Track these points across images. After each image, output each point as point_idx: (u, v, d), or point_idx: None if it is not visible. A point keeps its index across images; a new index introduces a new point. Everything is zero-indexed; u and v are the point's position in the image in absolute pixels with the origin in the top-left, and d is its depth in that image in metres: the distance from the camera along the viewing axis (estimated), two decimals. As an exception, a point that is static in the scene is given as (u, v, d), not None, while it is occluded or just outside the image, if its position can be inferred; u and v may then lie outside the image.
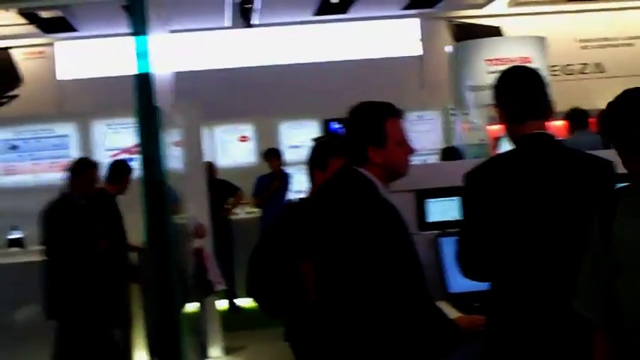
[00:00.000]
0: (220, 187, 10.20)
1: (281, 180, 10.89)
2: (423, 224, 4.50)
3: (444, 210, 4.42)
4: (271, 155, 11.10)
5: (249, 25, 17.46)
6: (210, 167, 10.09)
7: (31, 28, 17.37)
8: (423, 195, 4.51)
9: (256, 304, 4.46)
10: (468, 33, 15.87)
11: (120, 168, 7.53)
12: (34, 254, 8.14)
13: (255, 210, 11.13)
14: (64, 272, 6.65)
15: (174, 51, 17.19)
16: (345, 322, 3.23)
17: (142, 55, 4.10)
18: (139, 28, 4.09)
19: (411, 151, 3.45)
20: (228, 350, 8.25)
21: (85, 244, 6.72)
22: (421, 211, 4.50)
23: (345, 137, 3.48)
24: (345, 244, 3.25)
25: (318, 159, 4.40)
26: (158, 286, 3.77)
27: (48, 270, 6.77)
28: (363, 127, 3.36)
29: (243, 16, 15.45)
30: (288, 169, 11.13)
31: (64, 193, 6.91)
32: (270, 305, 4.37)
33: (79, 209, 6.77)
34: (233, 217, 11.01)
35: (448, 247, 4.16)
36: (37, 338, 7.63)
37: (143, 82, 4.08)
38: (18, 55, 18.34)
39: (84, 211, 6.79)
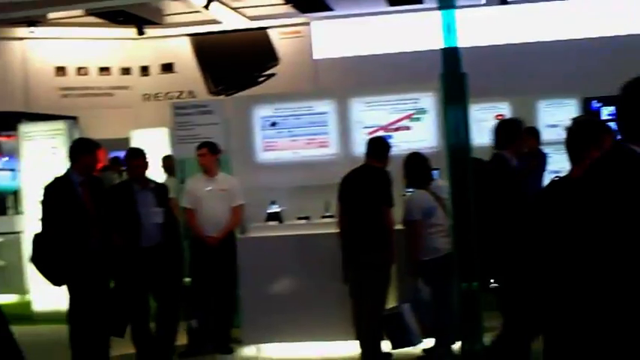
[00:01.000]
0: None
1: (538, 159, 10.67)
2: None
3: None
4: (528, 134, 10.89)
5: (505, 2, 17.21)
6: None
7: (287, 8, 18.14)
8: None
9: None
10: None
11: (382, 144, 7.68)
12: (290, 228, 8.57)
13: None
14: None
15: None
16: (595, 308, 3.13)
17: (449, 28, 4.21)
18: (446, 2, 4.20)
19: None
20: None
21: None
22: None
23: (618, 114, 3.37)
24: (613, 225, 3.15)
25: (591, 136, 4.31)
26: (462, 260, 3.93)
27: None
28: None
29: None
30: (545, 149, 10.88)
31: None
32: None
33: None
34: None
35: None
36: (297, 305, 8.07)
37: (450, 55, 4.20)
38: (275, 35, 19.23)
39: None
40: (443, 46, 4.18)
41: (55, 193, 7.13)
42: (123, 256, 7.45)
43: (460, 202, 3.97)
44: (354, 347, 7.57)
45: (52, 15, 17.85)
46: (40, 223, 7.22)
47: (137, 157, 7.75)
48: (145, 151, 7.88)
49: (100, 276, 7.27)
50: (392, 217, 7.36)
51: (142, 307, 7.61)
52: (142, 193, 7.61)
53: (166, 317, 7.74)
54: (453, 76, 4.04)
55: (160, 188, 7.81)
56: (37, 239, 7.17)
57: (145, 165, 7.74)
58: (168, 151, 10.93)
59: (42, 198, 7.17)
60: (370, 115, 9.24)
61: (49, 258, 7.05)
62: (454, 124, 3.98)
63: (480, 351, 5.19)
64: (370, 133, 9.07)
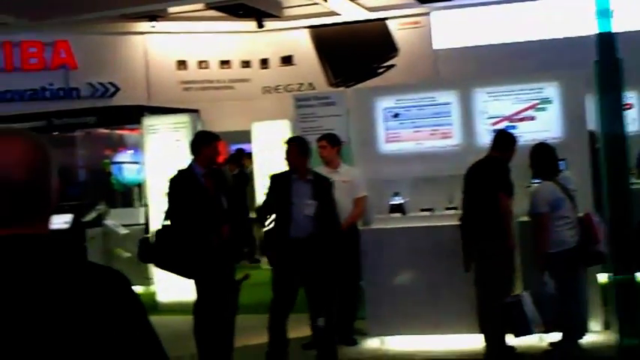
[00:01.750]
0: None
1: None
2: None
3: None
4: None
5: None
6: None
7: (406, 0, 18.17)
8: None
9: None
10: None
11: (505, 137, 7.65)
12: (414, 220, 8.61)
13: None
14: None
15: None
16: None
17: (603, 13, 4.21)
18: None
19: None
20: (607, 325, 8.05)
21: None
22: None
23: None
24: None
25: None
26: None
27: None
28: None
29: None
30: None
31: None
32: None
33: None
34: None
35: None
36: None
37: (605, 40, 4.20)
38: (393, 26, 19.25)
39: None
40: (597, 32, 4.14)
41: (179, 185, 7.33)
42: (275, 245, 7.52)
43: (616, 191, 3.93)
44: (478, 341, 7.56)
45: (172, 9, 18.35)
46: (163, 215, 7.45)
47: (289, 145, 7.64)
48: (302, 140, 7.77)
49: (226, 268, 7.44)
50: (508, 204, 7.33)
51: (286, 299, 7.51)
52: (298, 184, 7.50)
53: (315, 313, 7.53)
54: (609, 62, 4.01)
55: (319, 180, 7.63)
56: (162, 233, 7.38)
57: (299, 155, 7.51)
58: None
59: (167, 191, 7.40)
60: (493, 105, 9.18)
61: (177, 251, 7.23)
62: (609, 112, 3.95)
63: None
64: (494, 123, 9.02)
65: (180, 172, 7.47)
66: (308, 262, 7.36)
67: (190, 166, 7.46)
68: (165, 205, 7.49)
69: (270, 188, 7.70)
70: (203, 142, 7.46)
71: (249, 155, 14.72)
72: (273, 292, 7.49)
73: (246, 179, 14.53)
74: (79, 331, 1.80)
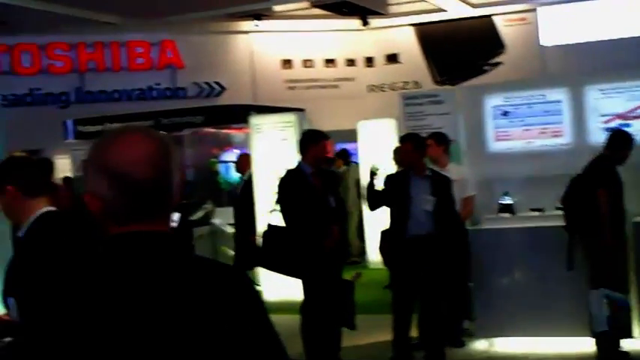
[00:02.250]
0: None
1: None
2: None
3: None
4: None
5: None
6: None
7: (514, -5, 18.02)
8: None
9: None
10: None
11: (622, 137, 7.53)
12: (523, 220, 8.54)
13: None
14: None
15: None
16: None
17: None
18: None
19: None
20: None
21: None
22: None
23: None
24: None
25: None
26: None
27: None
28: None
29: None
30: None
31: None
32: None
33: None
34: None
35: None
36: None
37: None
38: (500, 22, 19.08)
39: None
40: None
41: (289, 185, 7.44)
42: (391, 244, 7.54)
43: None
44: (589, 344, 7.47)
45: (277, 8, 18.59)
46: (269, 215, 7.58)
47: (404, 142, 7.66)
48: (417, 137, 7.77)
49: (335, 267, 7.53)
50: (606, 201, 7.22)
51: (407, 298, 7.48)
52: (416, 181, 7.45)
53: (426, 314, 7.49)
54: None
55: (438, 177, 7.58)
56: (270, 233, 7.50)
57: (414, 151, 7.46)
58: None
59: (277, 191, 7.52)
60: (606, 102, 9.05)
61: (286, 251, 7.34)
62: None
63: None
64: (606, 121, 8.89)
65: (290, 171, 7.57)
66: (426, 261, 7.32)
67: (299, 165, 7.56)
68: (271, 205, 7.62)
69: (386, 188, 7.68)
70: (311, 141, 7.54)
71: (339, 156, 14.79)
72: (392, 292, 7.53)
73: (339, 179, 14.62)
74: (203, 327, 1.84)
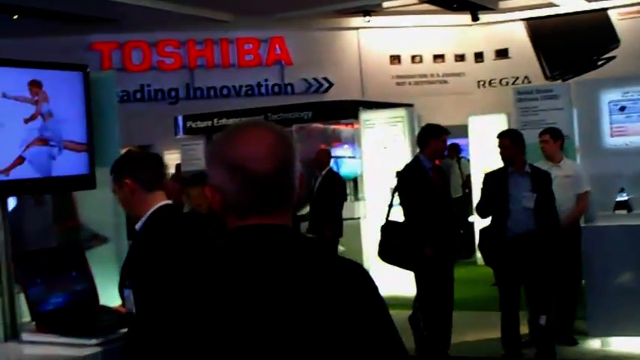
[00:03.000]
0: None
1: None
2: None
3: None
4: None
5: None
6: None
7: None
8: None
9: None
10: None
11: None
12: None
13: None
14: None
15: None
16: None
17: None
18: None
19: None
20: None
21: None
22: None
23: None
24: None
25: None
26: None
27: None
28: None
29: None
30: None
31: None
32: None
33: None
34: None
35: None
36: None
37: None
38: (614, 16, 18.73)
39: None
40: None
41: (409, 179, 7.54)
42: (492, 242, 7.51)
43: None
44: None
45: (386, 4, 18.67)
46: (385, 209, 7.69)
47: (502, 138, 7.58)
48: (516, 132, 7.79)
49: (449, 262, 7.60)
50: None
51: (513, 295, 7.43)
52: (516, 177, 7.42)
53: (535, 312, 7.40)
54: None
55: (538, 173, 7.52)
56: (388, 227, 7.61)
57: (513, 147, 7.43)
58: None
59: (397, 185, 7.60)
60: None
61: (405, 244, 7.43)
62: None
63: None
64: None
65: (409, 165, 7.66)
66: (527, 259, 7.25)
67: (417, 159, 7.65)
68: (387, 199, 7.73)
69: (485, 186, 7.71)
70: (432, 135, 7.60)
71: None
72: (499, 290, 7.54)
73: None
74: (326, 322, 1.85)
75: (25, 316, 4.28)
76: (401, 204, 7.53)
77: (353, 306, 1.89)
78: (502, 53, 19.73)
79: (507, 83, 18.86)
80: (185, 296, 1.90)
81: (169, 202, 3.98)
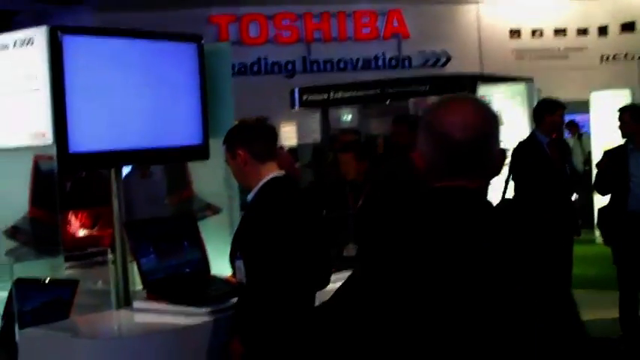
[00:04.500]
0: None
1: None
2: None
3: None
4: None
5: None
6: None
7: None
8: None
9: None
10: None
11: None
12: None
13: None
14: None
15: None
16: None
17: None
18: None
19: None
20: None
21: None
22: None
23: None
24: None
25: None
26: None
27: None
28: None
29: None
30: None
31: None
32: None
33: None
34: None
35: None
36: None
37: None
38: None
39: None
40: None
41: (523, 155, 7.37)
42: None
43: None
44: None
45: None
46: (503, 187, 7.55)
47: (622, 113, 7.44)
48: (636, 108, 7.60)
49: (567, 240, 7.40)
50: None
51: (633, 274, 7.20)
52: (636, 154, 7.22)
53: None
54: None
55: None
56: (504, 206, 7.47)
57: (632, 123, 7.24)
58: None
59: (511, 161, 7.44)
60: None
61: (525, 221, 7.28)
62: None
63: None
64: None
65: (523, 142, 7.49)
66: None
67: (533, 134, 7.49)
68: (504, 175, 7.58)
69: (603, 163, 7.53)
70: (547, 110, 7.42)
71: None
72: (617, 269, 7.32)
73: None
74: (514, 286, 2.02)
75: (137, 284, 4.35)
76: (513, 179, 7.40)
77: (533, 274, 2.08)
78: (628, 27, 19.07)
79: (633, 58, 18.23)
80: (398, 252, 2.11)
81: (282, 173, 3.97)
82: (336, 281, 4.34)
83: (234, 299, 3.89)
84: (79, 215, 5.89)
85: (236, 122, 4.72)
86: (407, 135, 7.15)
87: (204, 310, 3.94)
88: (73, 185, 7.21)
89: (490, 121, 2.19)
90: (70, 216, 5.78)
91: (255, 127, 4.21)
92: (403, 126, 7.54)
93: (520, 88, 11.40)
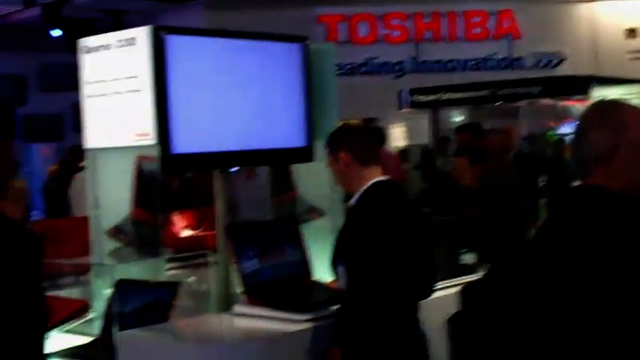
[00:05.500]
0: None
1: None
2: None
3: None
4: None
5: None
6: None
7: None
8: None
9: None
10: None
11: None
12: None
13: None
14: None
15: None
16: None
17: None
18: None
19: None
20: None
21: None
22: None
23: None
24: None
25: None
26: None
27: None
28: None
29: None
30: None
31: None
32: None
33: None
34: None
35: None
36: None
37: None
38: None
39: None
40: None
41: None
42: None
43: None
44: None
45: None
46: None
47: None
48: None
49: None
50: None
51: None
52: None
53: None
54: None
55: None
56: None
57: None
58: None
59: None
60: None
61: None
62: None
63: None
64: None
65: None
66: None
67: None
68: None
69: None
70: None
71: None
72: None
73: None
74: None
75: (238, 286, 4.30)
76: None
77: None
78: None
79: None
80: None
81: (386, 177, 3.83)
82: (450, 289, 4.19)
83: (335, 306, 3.79)
84: (185, 215, 5.89)
85: (340, 124, 4.62)
86: (472, 143, 7.12)
87: (305, 316, 3.85)
88: (180, 185, 7.25)
89: None
90: (175, 216, 5.78)
91: (359, 130, 4.08)
92: (467, 135, 7.46)
93: (636, 90, 10.99)
